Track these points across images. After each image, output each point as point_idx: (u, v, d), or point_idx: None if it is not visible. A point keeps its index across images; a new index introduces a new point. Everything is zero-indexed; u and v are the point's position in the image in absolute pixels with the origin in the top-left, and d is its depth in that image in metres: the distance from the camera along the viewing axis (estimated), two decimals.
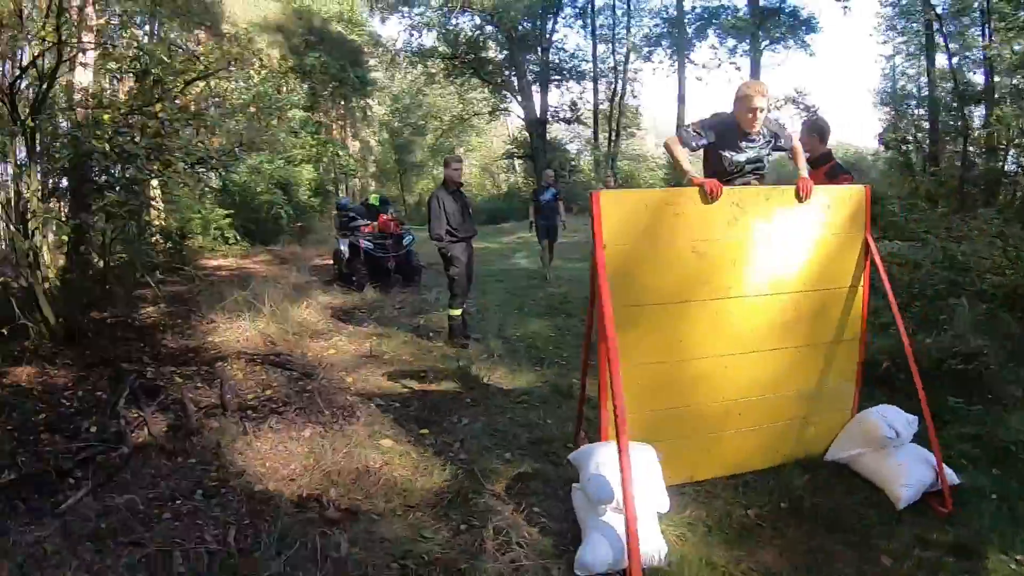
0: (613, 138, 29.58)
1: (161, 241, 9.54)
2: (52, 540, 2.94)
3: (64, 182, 7.02)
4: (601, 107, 30.10)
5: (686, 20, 27.29)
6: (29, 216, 5.80)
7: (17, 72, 6.10)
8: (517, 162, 31.11)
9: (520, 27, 24.64)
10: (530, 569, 2.84)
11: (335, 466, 3.77)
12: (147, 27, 12.45)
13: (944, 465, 3.56)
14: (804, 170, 3.83)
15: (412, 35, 27.15)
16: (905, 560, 2.99)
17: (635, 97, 31.63)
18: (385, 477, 3.68)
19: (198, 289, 8.43)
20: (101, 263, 7.15)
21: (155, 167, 6.69)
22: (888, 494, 3.54)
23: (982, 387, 4.62)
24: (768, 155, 4.03)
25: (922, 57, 24.51)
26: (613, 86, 29.59)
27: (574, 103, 29.43)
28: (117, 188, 6.29)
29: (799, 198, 3.66)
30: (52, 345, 5.82)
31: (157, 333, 6.64)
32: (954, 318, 5.46)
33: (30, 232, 5.84)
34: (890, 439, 3.66)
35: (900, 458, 3.64)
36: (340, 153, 23.91)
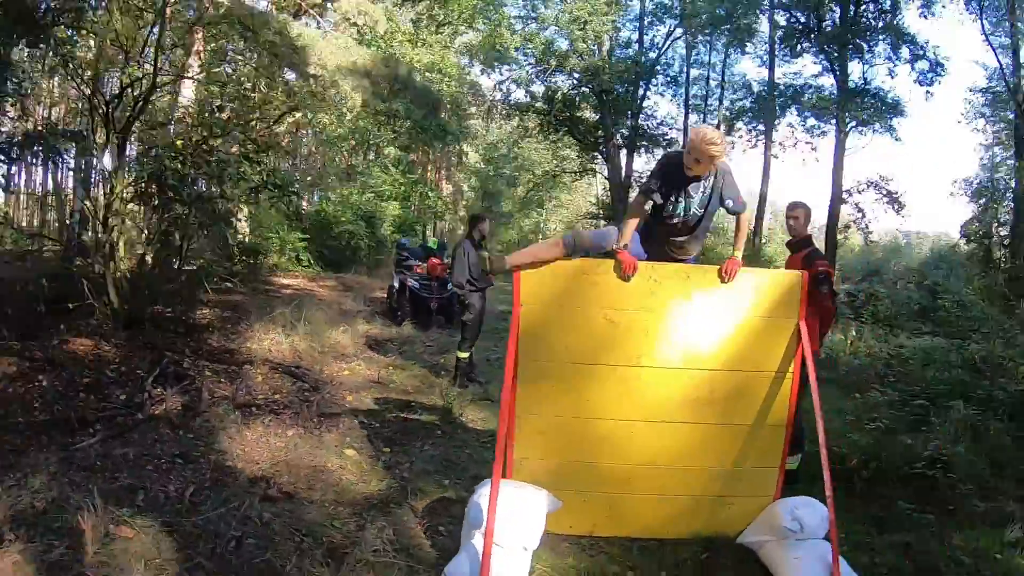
0: None
1: (236, 254, 10.65)
2: (55, 465, 3.74)
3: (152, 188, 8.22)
4: None
5: (773, 95, 27.20)
6: (111, 215, 6.89)
7: (116, 92, 7.34)
8: (601, 223, 31.76)
9: (612, 91, 25.21)
10: (403, 568, 3.33)
11: (297, 461, 4.48)
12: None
13: (849, 571, 3.46)
14: (739, 251, 3.84)
15: (505, 89, 28.23)
16: None
17: None
18: (333, 477, 4.34)
19: (257, 301, 9.44)
20: (176, 265, 8.27)
21: (221, 189, 7.72)
22: None
23: (943, 496, 4.45)
24: (712, 210, 3.87)
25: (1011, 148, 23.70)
26: None
27: None
28: (187, 203, 7.31)
29: (722, 278, 3.73)
30: (113, 327, 6.81)
31: (205, 332, 7.60)
32: (947, 422, 5.42)
33: (110, 228, 6.92)
34: (792, 531, 3.59)
35: (798, 552, 3.55)
36: (429, 194, 25.28)
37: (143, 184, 7.58)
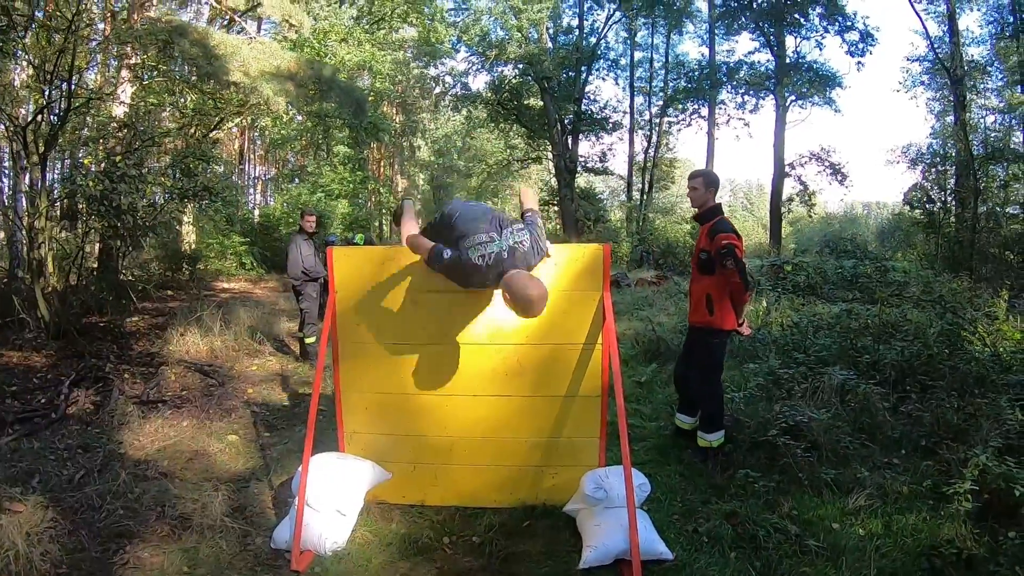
0: (646, 190, 30.63)
1: (164, 262, 11.42)
2: None
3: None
4: (637, 159, 31.19)
5: (715, 73, 28.06)
6: (36, 233, 7.67)
7: (30, 117, 8.05)
8: (553, 210, 32.58)
9: (553, 78, 25.78)
10: (237, 532, 3.97)
11: (182, 447, 5.29)
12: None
13: (654, 538, 3.61)
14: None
15: (446, 82, 29.07)
16: None
17: (670, 150, 32.72)
18: (210, 460, 5.13)
19: (193, 306, 10.22)
20: (114, 275, 9.05)
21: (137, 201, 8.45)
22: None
23: (792, 464, 4.42)
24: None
25: (950, 114, 24.39)
26: (649, 138, 30.67)
27: (604, 154, 30.60)
28: (104, 217, 8.02)
29: None
30: (44, 338, 7.65)
31: (131, 338, 8.43)
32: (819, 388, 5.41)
33: (37, 245, 7.71)
34: (599, 499, 3.75)
35: (601, 519, 3.71)
36: (381, 190, 25.99)
37: (63, 202, 8.31)
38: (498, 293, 3.75)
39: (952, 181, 22.33)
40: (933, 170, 23.48)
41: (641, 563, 3.40)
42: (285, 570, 3.63)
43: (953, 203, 21.28)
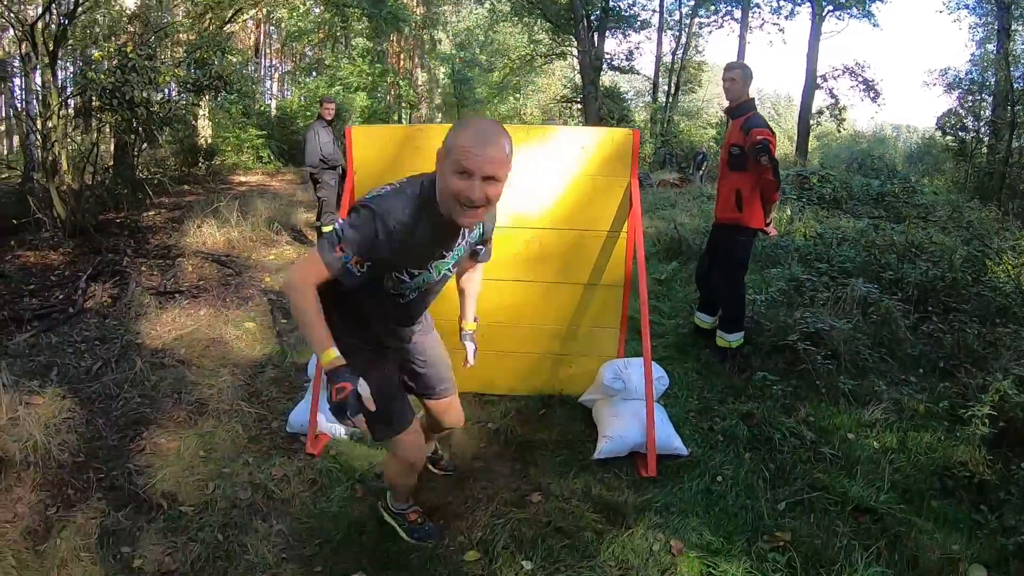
0: (672, 92, 29.54)
1: (180, 157, 11.23)
2: None
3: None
4: (665, 59, 30.01)
5: None
6: (48, 132, 7.48)
7: (39, 11, 7.72)
8: (576, 107, 31.56)
9: None
10: (252, 415, 3.98)
11: (199, 335, 5.24)
12: None
13: (671, 432, 3.53)
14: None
15: None
16: (548, 502, 3.13)
17: (699, 52, 31.45)
18: (227, 347, 5.10)
19: (201, 199, 10.14)
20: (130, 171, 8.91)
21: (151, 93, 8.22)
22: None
23: (811, 371, 4.37)
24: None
25: (993, 41, 23.20)
26: (678, 39, 29.42)
27: (630, 52, 29.42)
28: (117, 112, 7.83)
29: None
30: (60, 237, 7.59)
31: (148, 232, 8.35)
32: (841, 299, 5.35)
33: (50, 144, 7.53)
34: (617, 390, 3.68)
35: (617, 410, 3.63)
36: (400, 83, 25.24)
37: (76, 100, 8.09)
38: (521, 174, 3.27)
39: (988, 111, 21.77)
40: (970, 98, 22.52)
41: (656, 457, 3.39)
42: (300, 453, 3.60)
43: (987, 134, 20.92)
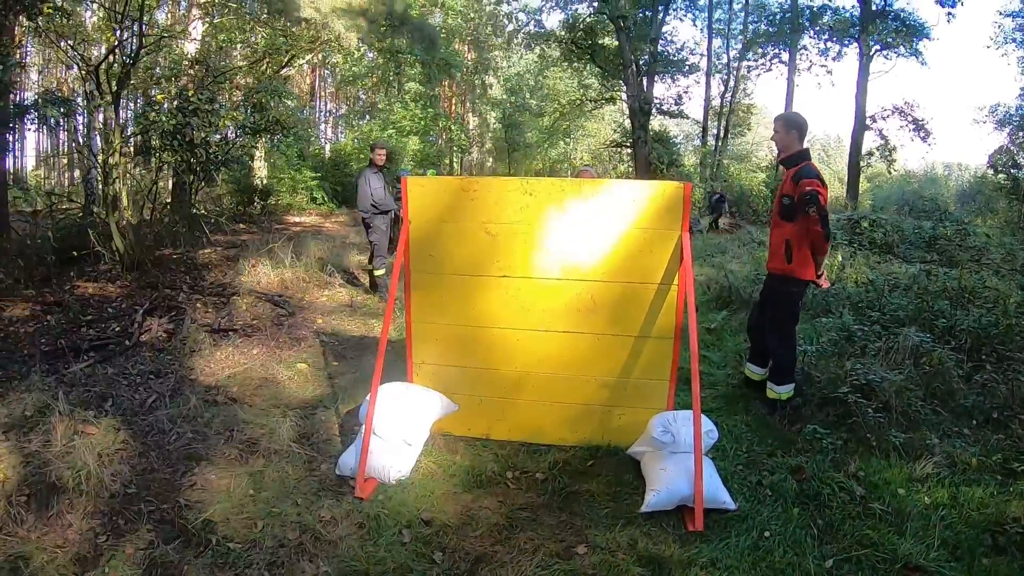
0: (722, 136, 29.51)
1: (236, 197, 11.54)
2: (49, 385, 4.61)
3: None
4: (713, 103, 29.94)
5: (786, 18, 26.48)
6: (110, 169, 7.75)
7: (104, 53, 8.09)
8: (627, 152, 31.67)
9: (629, 17, 24.79)
10: (303, 457, 4.01)
11: (251, 373, 5.31)
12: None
13: (718, 486, 3.51)
14: None
15: (518, 20, 28.20)
16: (594, 555, 3.11)
17: (748, 95, 31.31)
18: (278, 386, 5.14)
19: (256, 238, 10.34)
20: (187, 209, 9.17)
21: (210, 135, 8.48)
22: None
23: (862, 424, 4.25)
24: None
25: None
26: (726, 82, 29.43)
27: (679, 96, 29.37)
28: (178, 152, 8.10)
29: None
30: (119, 270, 7.79)
31: (204, 270, 8.53)
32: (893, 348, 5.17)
33: (112, 180, 7.79)
34: (665, 443, 3.66)
35: (666, 463, 3.62)
36: (452, 128, 25.71)
37: (137, 139, 8.40)
38: (572, 228, 3.76)
39: None
40: (1021, 134, 21.96)
41: (704, 510, 3.35)
42: (349, 496, 3.58)
43: None
